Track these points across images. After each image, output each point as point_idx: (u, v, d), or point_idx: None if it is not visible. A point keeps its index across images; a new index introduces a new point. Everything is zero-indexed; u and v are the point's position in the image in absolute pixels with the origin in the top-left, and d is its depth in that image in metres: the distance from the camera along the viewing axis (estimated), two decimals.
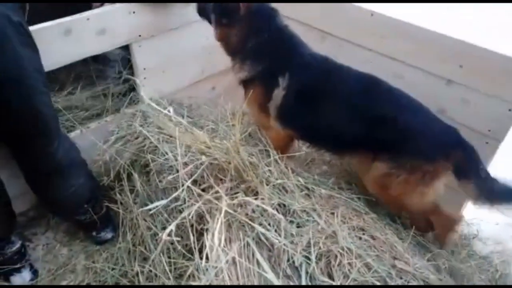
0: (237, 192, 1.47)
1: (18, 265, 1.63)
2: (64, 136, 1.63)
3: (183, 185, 1.43)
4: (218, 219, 1.36)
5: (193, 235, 1.37)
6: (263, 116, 1.73)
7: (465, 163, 1.52)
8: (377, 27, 1.84)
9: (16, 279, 1.64)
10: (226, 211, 1.35)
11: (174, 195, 1.41)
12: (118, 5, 1.72)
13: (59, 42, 1.57)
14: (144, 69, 1.95)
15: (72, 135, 1.80)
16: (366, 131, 1.56)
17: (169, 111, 1.52)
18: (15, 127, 1.42)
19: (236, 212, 1.38)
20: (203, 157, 1.47)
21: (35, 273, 1.70)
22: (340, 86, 1.63)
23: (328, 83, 1.64)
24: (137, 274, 1.55)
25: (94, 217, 1.76)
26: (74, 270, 1.77)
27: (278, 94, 1.66)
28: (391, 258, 1.47)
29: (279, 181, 1.55)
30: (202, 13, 1.77)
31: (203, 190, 1.47)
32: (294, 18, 2.13)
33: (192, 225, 1.39)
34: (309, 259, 1.37)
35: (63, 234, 1.92)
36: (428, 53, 1.74)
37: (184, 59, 2.09)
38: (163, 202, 1.39)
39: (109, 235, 1.85)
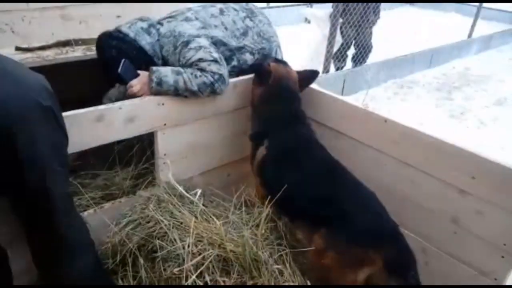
0: None
1: None
2: (75, 215, 1.65)
3: (187, 277, 1.40)
4: None
5: None
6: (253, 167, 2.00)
7: (396, 263, 1.53)
8: (390, 132, 1.92)
9: None
10: None
11: None
12: (147, 98, 1.88)
13: (91, 126, 1.69)
14: (165, 154, 2.03)
15: (85, 214, 1.82)
16: (312, 205, 1.70)
17: (195, 193, 1.54)
18: (30, 205, 1.45)
19: None
20: (214, 250, 1.46)
21: None
22: (307, 159, 1.84)
23: (298, 153, 1.86)
24: None
25: None
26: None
27: (260, 152, 1.93)
28: None
29: (286, 284, 1.51)
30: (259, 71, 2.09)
31: (207, 283, 1.43)
32: (313, 118, 2.26)
33: None
34: None
35: None
36: (440, 162, 1.78)
37: (204, 147, 2.19)
38: None
39: None
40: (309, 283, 1.58)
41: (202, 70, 1.92)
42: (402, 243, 1.59)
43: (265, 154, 1.90)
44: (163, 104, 1.90)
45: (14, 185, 1.38)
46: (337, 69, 5.46)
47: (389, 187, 1.94)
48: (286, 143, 1.89)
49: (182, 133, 2.06)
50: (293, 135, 1.92)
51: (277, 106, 1.97)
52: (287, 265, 1.62)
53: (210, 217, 1.66)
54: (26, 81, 1.33)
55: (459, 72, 6.67)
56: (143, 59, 2.02)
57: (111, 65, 1.91)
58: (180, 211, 1.72)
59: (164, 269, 1.60)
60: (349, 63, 5.58)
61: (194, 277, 1.39)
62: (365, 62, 5.54)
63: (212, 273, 1.47)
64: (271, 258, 1.56)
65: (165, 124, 1.95)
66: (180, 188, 1.72)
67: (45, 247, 1.56)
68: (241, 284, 1.45)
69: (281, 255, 1.62)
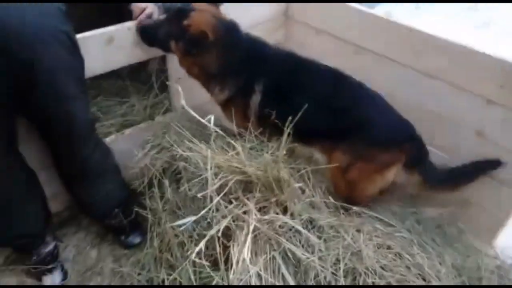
0: (266, 206, 1.46)
1: (50, 266, 1.68)
2: (99, 141, 1.68)
3: (211, 198, 1.43)
4: (245, 233, 1.36)
5: (219, 246, 1.37)
6: (245, 122, 1.75)
7: (415, 154, 1.63)
8: (414, 43, 1.81)
9: (47, 279, 1.69)
10: (254, 225, 1.35)
11: (202, 212, 1.39)
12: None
13: (102, 50, 1.63)
14: (179, 78, 1.99)
15: (107, 140, 1.85)
16: (328, 122, 1.63)
17: (209, 120, 1.52)
18: (52, 130, 1.48)
19: (264, 226, 1.37)
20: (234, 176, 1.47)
21: (65, 274, 1.74)
22: (306, 80, 1.70)
23: (295, 79, 1.71)
24: (162, 281, 1.57)
25: (123, 221, 1.79)
26: (101, 273, 1.81)
27: (255, 99, 1.72)
28: (415, 278, 1.43)
29: (308, 199, 1.54)
30: (150, 38, 1.68)
31: (231, 201, 1.47)
32: (327, 31, 2.14)
33: (219, 238, 1.38)
34: (335, 276, 1.36)
35: (93, 236, 1.96)
36: (467, 72, 1.70)
37: None
38: (192, 219, 1.39)
39: (137, 240, 1.88)
40: (331, 199, 1.61)
41: None
42: (418, 138, 1.65)
43: (262, 98, 1.71)
44: None
45: (38, 112, 1.39)
46: None
47: (413, 101, 1.87)
48: (278, 72, 1.71)
49: None
50: (277, 62, 1.73)
51: (238, 52, 1.68)
52: (309, 183, 1.64)
53: (227, 143, 1.64)
54: (43, 5, 1.28)
55: None
56: None
57: None
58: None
59: (189, 189, 1.64)
60: None
61: (218, 198, 1.41)
62: None
63: (235, 192, 1.50)
64: (292, 177, 1.58)
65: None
66: (194, 114, 1.65)
67: (72, 171, 1.63)
68: (265, 202, 1.48)
69: (302, 174, 1.63)
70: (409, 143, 1.63)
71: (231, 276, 1.29)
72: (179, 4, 1.72)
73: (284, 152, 1.46)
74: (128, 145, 1.86)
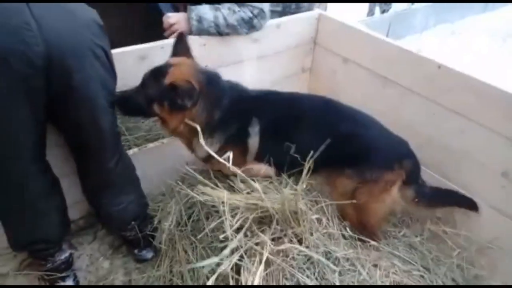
0: (280, 238, 1.45)
1: (63, 274, 1.69)
2: (123, 153, 1.71)
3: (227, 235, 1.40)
4: (257, 261, 1.34)
5: (232, 278, 1.35)
6: (243, 165, 1.67)
7: (412, 171, 1.69)
8: (443, 79, 1.80)
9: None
10: (267, 257, 1.33)
11: (225, 252, 1.34)
12: (191, 37, 1.82)
13: (135, 66, 1.68)
14: None
15: (130, 152, 1.88)
16: (331, 149, 1.53)
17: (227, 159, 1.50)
18: (83, 141, 1.51)
19: (278, 258, 1.35)
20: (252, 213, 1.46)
21: (77, 283, 1.74)
22: (302, 112, 1.70)
23: (291, 113, 1.69)
24: None
25: (138, 235, 1.80)
26: (112, 284, 1.80)
27: (253, 141, 1.64)
28: None
29: (325, 231, 1.52)
30: (129, 108, 1.57)
31: (246, 234, 1.44)
32: (356, 62, 2.15)
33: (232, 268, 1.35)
34: None
35: (106, 247, 1.97)
36: (494, 110, 1.67)
37: None
38: (215, 260, 1.32)
39: (149, 255, 1.88)
40: (348, 230, 1.59)
41: (241, 4, 1.83)
42: (413, 154, 1.72)
43: (260, 139, 1.65)
44: (204, 44, 1.86)
45: (69, 121, 1.43)
46: (383, 12, 5.11)
47: (436, 137, 1.86)
48: (272, 112, 1.67)
49: (223, 75, 2.02)
50: (267, 101, 1.70)
51: (225, 99, 1.61)
52: (327, 214, 1.62)
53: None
54: (79, 16, 1.32)
55: None
56: None
57: None
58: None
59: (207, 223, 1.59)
60: (394, 5, 5.19)
61: (237, 240, 1.36)
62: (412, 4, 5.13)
63: (250, 226, 1.47)
64: (310, 210, 1.56)
65: (206, 66, 1.92)
66: (213, 153, 1.55)
67: (96, 181, 1.65)
68: (281, 234, 1.46)
69: (321, 207, 1.61)
70: (407, 160, 1.68)
71: None
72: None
73: (304, 185, 1.45)
74: (150, 157, 1.89)
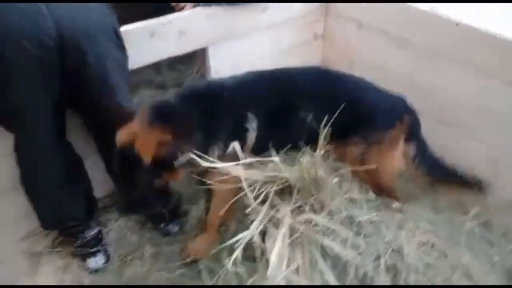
0: (301, 206, 1.45)
1: (94, 249, 1.75)
2: None
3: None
4: (282, 232, 1.36)
5: (257, 249, 1.39)
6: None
7: (412, 125, 1.71)
8: (461, 37, 1.73)
9: (91, 262, 1.76)
10: (290, 226, 1.36)
11: (253, 226, 1.37)
12: (197, 10, 1.80)
13: (145, 43, 1.67)
14: (216, 71, 2.00)
15: None
16: (334, 121, 1.47)
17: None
18: (102, 121, 1.54)
19: (301, 226, 1.37)
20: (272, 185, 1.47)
21: (108, 257, 1.81)
22: (297, 86, 1.66)
23: (280, 95, 1.61)
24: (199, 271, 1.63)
25: (163, 210, 1.84)
26: (142, 257, 1.86)
27: (251, 135, 1.58)
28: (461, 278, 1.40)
29: (346, 196, 1.52)
30: (145, 205, 1.56)
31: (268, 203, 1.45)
32: (372, 25, 2.09)
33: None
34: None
35: (133, 223, 2.02)
36: None
37: (252, 63, 2.11)
38: (245, 234, 1.35)
39: (175, 228, 1.92)
40: (370, 193, 1.60)
41: None
42: (411, 109, 1.72)
43: (258, 132, 1.59)
44: (212, 16, 1.82)
45: (87, 103, 1.46)
46: None
47: (457, 97, 1.81)
48: (267, 104, 1.60)
49: (233, 48, 1.99)
50: (260, 88, 1.63)
51: (208, 110, 1.50)
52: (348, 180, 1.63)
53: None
54: (90, 4, 1.36)
55: None
56: None
57: None
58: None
59: None
60: None
61: (263, 213, 1.39)
62: None
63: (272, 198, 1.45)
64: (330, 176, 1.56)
65: (215, 39, 1.90)
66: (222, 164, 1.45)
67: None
68: (302, 203, 1.48)
69: (341, 173, 1.60)
70: (407, 115, 1.69)
71: (268, 272, 1.28)
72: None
73: (322, 152, 1.44)
74: None
